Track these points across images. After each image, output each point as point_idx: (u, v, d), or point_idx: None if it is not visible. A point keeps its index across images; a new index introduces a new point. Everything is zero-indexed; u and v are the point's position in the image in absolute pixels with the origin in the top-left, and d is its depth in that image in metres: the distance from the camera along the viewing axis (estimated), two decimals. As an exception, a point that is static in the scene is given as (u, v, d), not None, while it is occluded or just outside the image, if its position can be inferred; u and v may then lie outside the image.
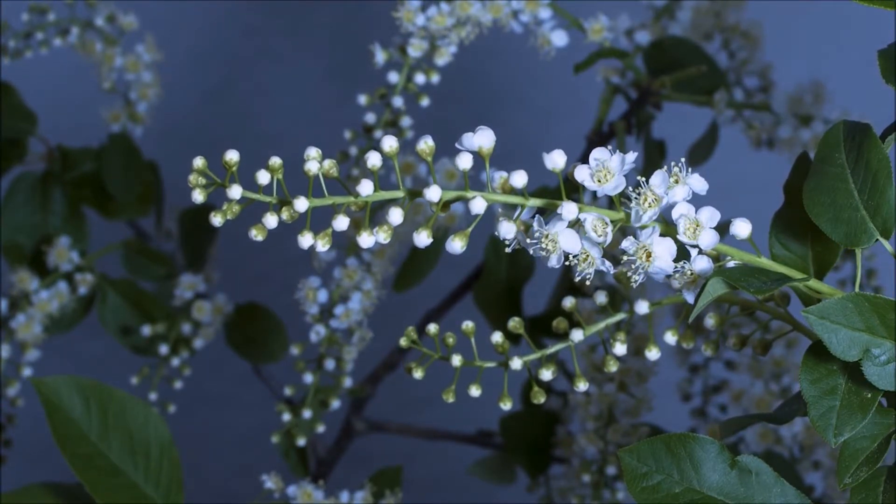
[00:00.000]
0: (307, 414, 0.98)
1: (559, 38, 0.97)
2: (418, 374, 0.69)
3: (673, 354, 1.09)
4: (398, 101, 0.96)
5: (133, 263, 1.16)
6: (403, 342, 0.68)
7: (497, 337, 0.70)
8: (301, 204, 0.60)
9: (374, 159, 0.60)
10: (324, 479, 1.03)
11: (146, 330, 1.10)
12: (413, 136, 0.97)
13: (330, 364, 0.98)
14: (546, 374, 0.69)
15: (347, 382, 0.99)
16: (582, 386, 0.70)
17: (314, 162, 0.60)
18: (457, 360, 0.70)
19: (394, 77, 0.96)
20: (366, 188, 0.59)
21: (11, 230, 1.15)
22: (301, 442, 1.00)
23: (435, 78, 0.96)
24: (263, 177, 0.60)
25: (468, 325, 0.70)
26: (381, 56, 0.95)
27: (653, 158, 1.04)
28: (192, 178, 0.60)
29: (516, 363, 0.70)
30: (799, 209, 0.65)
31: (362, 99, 0.96)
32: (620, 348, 0.68)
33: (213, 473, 1.52)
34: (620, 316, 0.70)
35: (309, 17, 1.66)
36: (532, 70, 1.54)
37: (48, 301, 1.09)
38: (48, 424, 0.83)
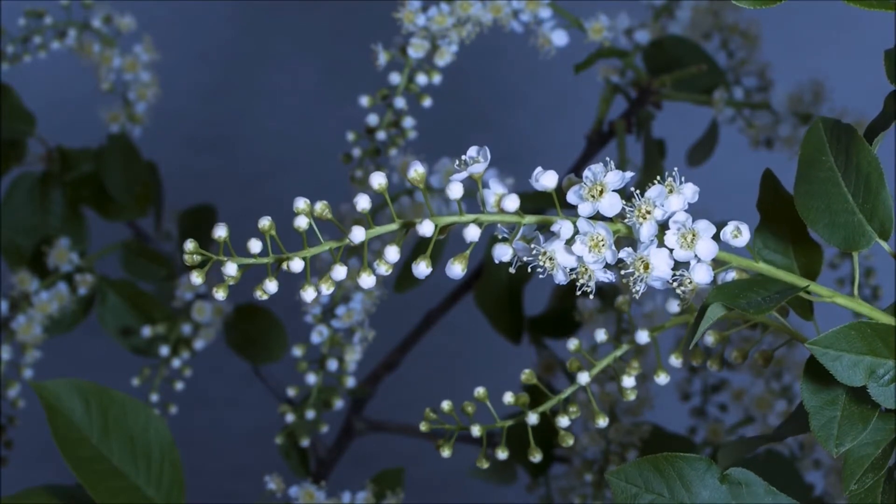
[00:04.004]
0: (310, 414, 0.98)
1: (559, 38, 0.97)
2: (446, 452, 0.70)
3: (672, 343, 1.09)
4: (400, 102, 0.96)
5: (133, 264, 1.16)
6: (423, 427, 0.70)
7: (508, 397, 0.71)
8: (297, 265, 0.59)
9: (363, 203, 0.59)
10: (324, 480, 1.03)
11: (146, 331, 1.10)
12: (415, 136, 0.97)
13: (332, 364, 0.98)
14: (563, 422, 0.70)
15: (350, 382, 0.99)
16: (602, 423, 0.71)
17: (303, 217, 0.60)
18: (476, 430, 0.71)
19: (395, 78, 0.96)
20: (358, 234, 0.59)
21: (11, 231, 1.15)
22: (304, 442, 1.00)
23: (437, 78, 0.96)
24: (255, 245, 0.60)
25: (480, 391, 0.71)
26: (383, 57, 0.95)
27: (653, 157, 1.04)
28: (188, 258, 0.59)
29: (532, 419, 0.71)
30: (776, 224, 0.65)
31: (364, 100, 0.96)
32: (629, 381, 0.70)
33: (214, 474, 1.52)
34: (625, 348, 0.71)
35: (309, 17, 1.66)
36: (532, 70, 1.54)
37: (48, 302, 1.09)
38: (49, 427, 0.83)
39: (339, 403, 1.00)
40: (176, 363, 1.10)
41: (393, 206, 0.99)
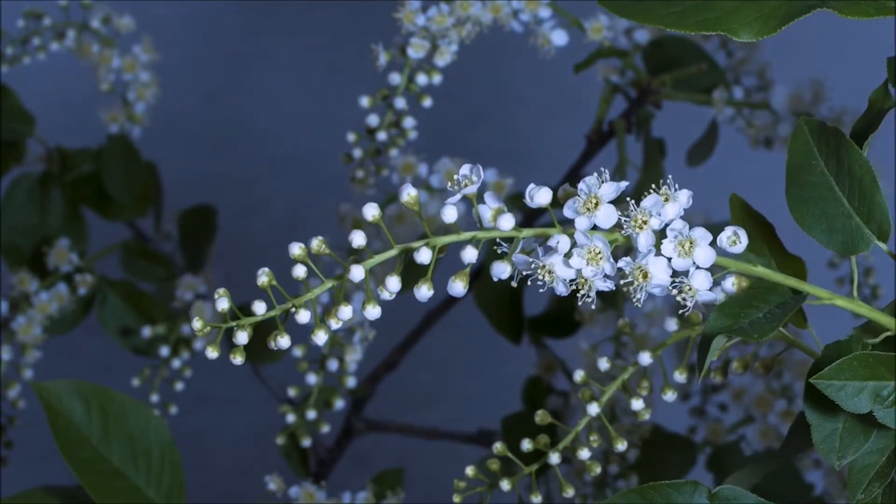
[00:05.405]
0: (311, 415, 0.98)
1: (559, 38, 0.97)
2: None
3: (672, 354, 1.09)
4: (400, 103, 0.96)
5: (132, 265, 1.16)
6: (457, 499, 0.71)
7: (526, 444, 0.73)
8: (303, 316, 0.59)
9: (358, 240, 0.59)
10: (324, 480, 1.03)
11: (146, 331, 1.10)
12: (416, 136, 0.97)
13: (333, 364, 0.98)
14: (584, 454, 0.72)
15: (350, 382, 0.99)
16: (621, 447, 0.73)
17: (300, 266, 0.59)
18: (506, 484, 0.73)
19: (395, 78, 0.96)
20: (357, 274, 0.59)
21: (11, 231, 1.15)
22: (305, 442, 1.00)
23: (437, 78, 0.96)
24: (260, 307, 0.59)
25: (498, 447, 0.73)
26: (383, 58, 0.95)
27: (653, 157, 1.04)
28: (199, 335, 0.59)
29: (554, 458, 0.72)
30: (753, 242, 0.64)
31: (364, 101, 0.96)
32: (638, 403, 0.71)
33: (214, 475, 1.52)
34: (630, 372, 0.72)
35: (309, 17, 1.66)
36: (532, 70, 1.54)
37: (48, 302, 1.09)
38: (49, 428, 0.83)
39: (339, 403, 1.00)
40: (176, 363, 1.10)
41: (393, 205, 0.99)
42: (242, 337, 0.59)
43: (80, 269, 1.11)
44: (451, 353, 1.54)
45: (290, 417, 0.99)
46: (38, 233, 1.15)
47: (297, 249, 0.59)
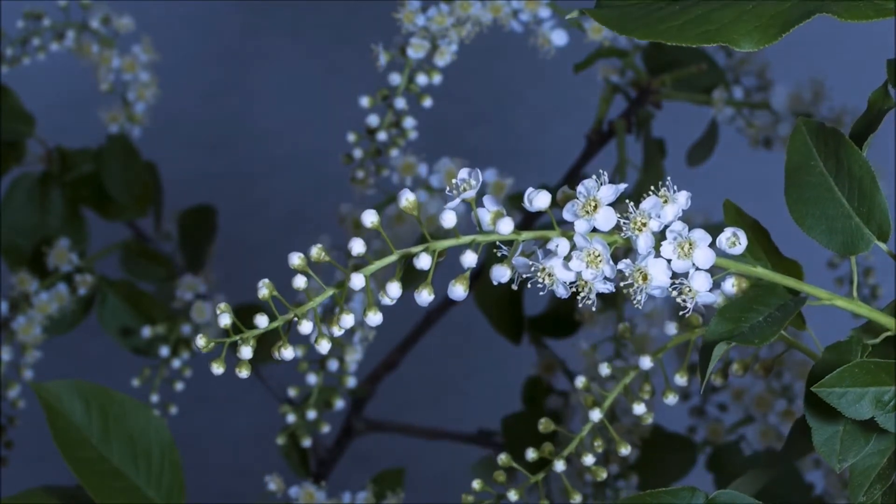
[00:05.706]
0: (311, 415, 0.98)
1: (559, 38, 0.97)
2: None
3: (672, 356, 1.09)
4: (400, 103, 0.96)
5: (132, 265, 1.16)
6: None
7: (531, 453, 0.73)
8: (306, 327, 0.59)
9: (358, 247, 0.59)
10: (324, 480, 1.03)
11: (146, 331, 1.10)
12: (416, 136, 0.97)
13: (333, 364, 0.98)
14: (589, 459, 0.72)
15: (351, 382, 0.99)
16: (624, 451, 0.73)
17: (301, 277, 0.59)
18: (513, 494, 0.74)
19: (396, 78, 0.96)
20: (357, 282, 0.58)
21: (11, 231, 1.15)
22: (305, 443, 1.00)
23: (437, 78, 0.96)
24: (262, 320, 0.59)
25: (503, 457, 0.73)
26: (383, 58, 0.95)
27: (653, 157, 1.04)
28: (203, 349, 0.59)
29: (559, 466, 0.73)
30: (750, 246, 0.64)
31: (364, 101, 0.96)
32: (640, 408, 0.72)
33: (214, 475, 1.52)
34: (631, 376, 0.72)
35: (309, 17, 1.66)
36: (532, 70, 1.54)
37: (48, 303, 1.09)
38: (49, 428, 0.83)
39: (339, 403, 1.00)
40: (176, 363, 1.10)
41: (393, 205, 0.99)
42: (247, 351, 0.59)
43: (80, 269, 1.11)
44: (451, 353, 1.54)
45: (290, 417, 0.99)
46: (38, 233, 1.15)
47: (296, 259, 0.59)
